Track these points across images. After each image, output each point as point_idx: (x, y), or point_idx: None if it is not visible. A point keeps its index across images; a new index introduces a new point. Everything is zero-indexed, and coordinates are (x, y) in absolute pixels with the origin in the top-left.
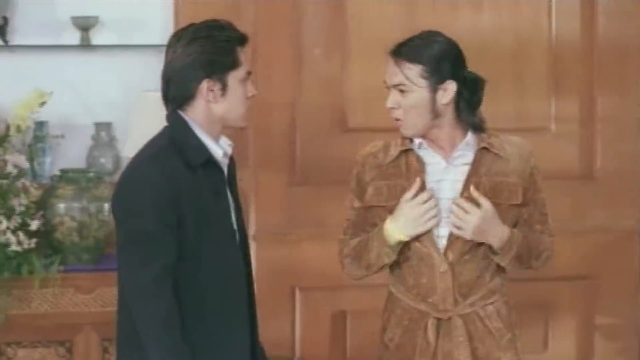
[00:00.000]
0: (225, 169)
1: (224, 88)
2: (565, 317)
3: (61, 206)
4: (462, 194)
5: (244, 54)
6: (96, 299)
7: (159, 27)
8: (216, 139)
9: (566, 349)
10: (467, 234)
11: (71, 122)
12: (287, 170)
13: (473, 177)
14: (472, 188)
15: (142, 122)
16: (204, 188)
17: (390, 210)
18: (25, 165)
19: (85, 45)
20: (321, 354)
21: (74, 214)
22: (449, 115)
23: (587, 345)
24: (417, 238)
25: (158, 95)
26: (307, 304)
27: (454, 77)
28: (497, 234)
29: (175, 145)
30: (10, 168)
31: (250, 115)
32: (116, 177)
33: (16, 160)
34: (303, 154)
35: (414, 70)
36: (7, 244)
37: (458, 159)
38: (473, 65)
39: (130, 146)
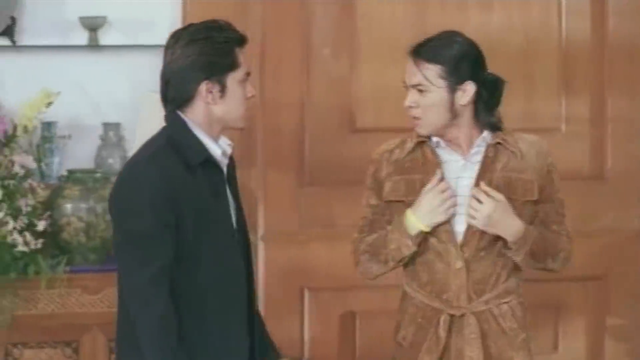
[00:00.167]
0: (225, 169)
1: (223, 90)
2: (575, 317)
3: (68, 206)
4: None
5: (243, 55)
6: (103, 299)
7: (167, 28)
8: (215, 139)
9: (576, 350)
10: (479, 223)
11: (79, 122)
12: (296, 170)
13: (487, 171)
14: (482, 183)
15: (150, 123)
16: (203, 188)
17: (409, 205)
18: (32, 165)
19: (93, 46)
20: (330, 355)
21: (81, 214)
22: (467, 115)
23: (597, 345)
24: (434, 233)
25: None
26: (316, 304)
27: (473, 78)
28: (510, 227)
29: (174, 144)
30: (17, 168)
31: (258, 116)
32: None
33: (23, 160)
34: (312, 154)
35: (432, 71)
36: (13, 245)
37: (475, 156)
38: None
39: (138, 146)
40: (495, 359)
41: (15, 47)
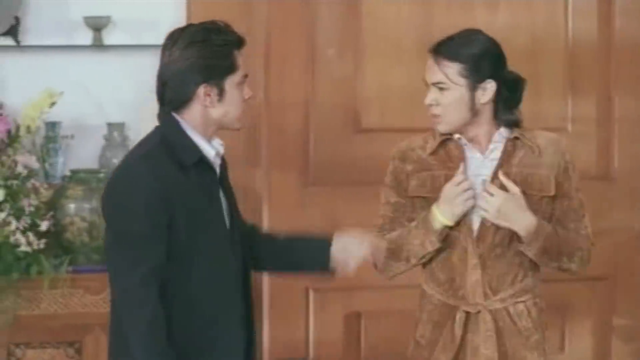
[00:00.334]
0: (218, 169)
1: (221, 93)
2: (582, 318)
3: (71, 206)
4: (492, 181)
5: (242, 57)
6: (105, 299)
7: (172, 28)
8: (209, 140)
9: (583, 350)
10: (490, 216)
11: (83, 122)
12: (300, 170)
13: (504, 165)
14: (500, 173)
15: (154, 123)
16: (196, 188)
17: (434, 201)
18: (35, 165)
19: (98, 46)
20: (335, 356)
21: (84, 214)
22: (487, 113)
23: (604, 346)
24: (453, 228)
25: None
26: (320, 305)
27: (493, 77)
28: (522, 220)
29: (167, 144)
30: (20, 169)
31: (263, 116)
32: None
33: (26, 160)
34: (316, 154)
35: (453, 69)
36: (16, 245)
37: (493, 153)
38: None
39: None
40: (509, 357)
41: (19, 47)
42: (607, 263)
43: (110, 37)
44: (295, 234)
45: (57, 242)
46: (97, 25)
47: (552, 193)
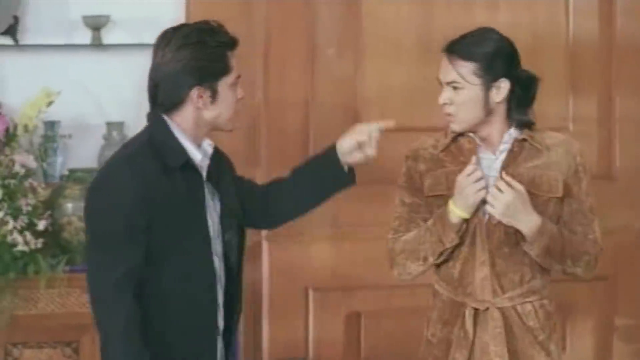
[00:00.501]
0: (205, 173)
1: (214, 95)
2: (583, 318)
3: (69, 206)
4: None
5: (235, 58)
6: None
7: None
8: (199, 143)
9: (584, 350)
10: (497, 212)
11: (83, 121)
12: None
13: (510, 165)
14: (503, 173)
15: None
16: (180, 191)
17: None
18: (33, 165)
19: (97, 45)
20: (335, 355)
21: (81, 214)
22: (500, 112)
23: (605, 346)
24: (468, 222)
25: None
26: (320, 305)
27: (507, 75)
28: (527, 220)
29: (154, 146)
30: (17, 168)
31: (263, 115)
32: None
33: (24, 160)
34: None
35: (467, 68)
36: (13, 244)
37: (502, 153)
38: None
39: None
40: (518, 355)
41: (18, 46)
42: (608, 263)
43: (109, 37)
44: (298, 166)
45: (54, 241)
46: (96, 24)
47: (560, 194)
